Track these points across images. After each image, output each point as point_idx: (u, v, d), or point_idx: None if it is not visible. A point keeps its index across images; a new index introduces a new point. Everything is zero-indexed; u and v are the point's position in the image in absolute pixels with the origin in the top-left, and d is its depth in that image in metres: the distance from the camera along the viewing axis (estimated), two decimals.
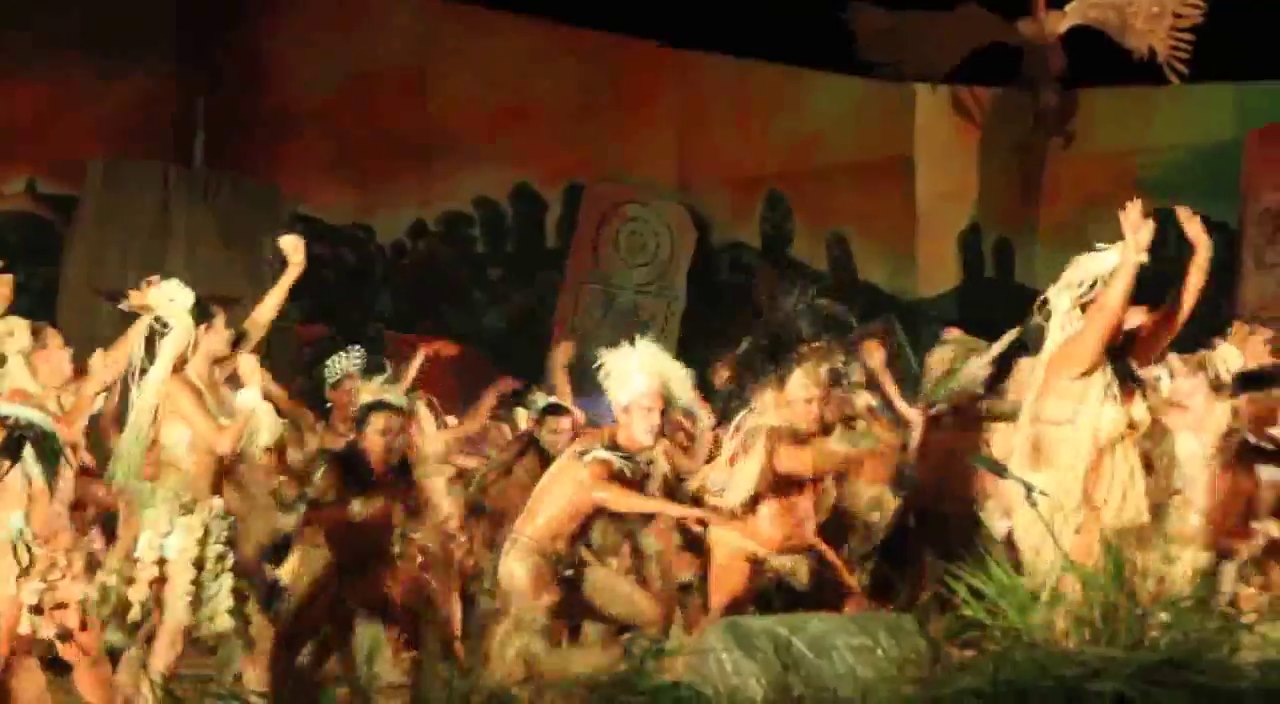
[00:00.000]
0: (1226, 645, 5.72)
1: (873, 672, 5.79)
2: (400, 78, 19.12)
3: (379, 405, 8.85)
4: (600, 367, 8.44)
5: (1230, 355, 9.55)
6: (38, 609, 7.66)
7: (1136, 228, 7.45)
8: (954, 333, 10.75)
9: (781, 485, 8.15)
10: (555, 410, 10.90)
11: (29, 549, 7.62)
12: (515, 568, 8.03)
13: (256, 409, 8.06)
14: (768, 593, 8.13)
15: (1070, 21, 20.22)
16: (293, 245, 8.56)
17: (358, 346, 11.12)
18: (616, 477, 8.04)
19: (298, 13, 18.70)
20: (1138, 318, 7.84)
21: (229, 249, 16.46)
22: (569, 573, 8.11)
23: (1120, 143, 20.40)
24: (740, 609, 7.93)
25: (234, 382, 8.35)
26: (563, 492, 8.15)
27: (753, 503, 8.12)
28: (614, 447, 8.12)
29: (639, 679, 5.24)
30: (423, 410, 11.39)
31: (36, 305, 12.09)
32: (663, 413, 8.31)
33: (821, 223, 20.41)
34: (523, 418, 12.50)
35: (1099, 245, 7.70)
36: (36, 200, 17.43)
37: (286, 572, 8.76)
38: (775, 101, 20.42)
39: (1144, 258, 7.42)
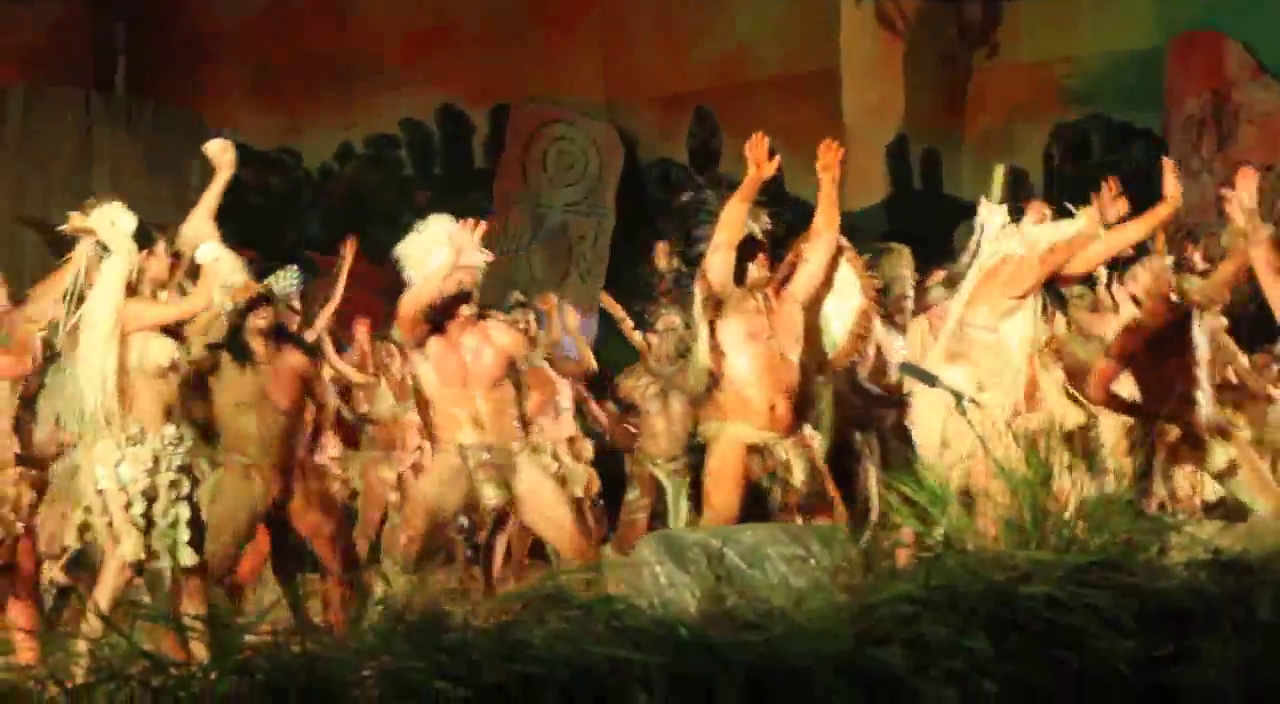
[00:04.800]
0: (1155, 546, 5.79)
1: (806, 581, 5.82)
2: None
3: (266, 299, 8.72)
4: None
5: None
6: None
7: (1108, 205, 7.79)
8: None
9: (746, 325, 7.89)
10: None
11: None
12: None
13: (219, 257, 7.86)
14: (761, 492, 7.90)
15: None
16: (220, 147, 8.23)
17: (294, 267, 11.00)
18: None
19: None
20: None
21: (154, 176, 16.37)
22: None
23: (1044, 53, 20.44)
24: (738, 511, 7.76)
25: None
26: None
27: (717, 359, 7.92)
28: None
29: (572, 593, 5.26)
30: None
31: None
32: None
33: (749, 138, 20.34)
34: None
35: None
36: None
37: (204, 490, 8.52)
38: (699, 17, 20.37)
39: (1102, 230, 7.75)
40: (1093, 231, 7.92)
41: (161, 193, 15.98)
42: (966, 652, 4.99)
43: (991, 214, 8.12)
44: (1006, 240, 8.04)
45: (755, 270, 8.02)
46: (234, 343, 8.51)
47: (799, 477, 7.92)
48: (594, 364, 12.22)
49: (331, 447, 11.63)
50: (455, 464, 8.08)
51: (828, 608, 5.34)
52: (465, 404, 8.11)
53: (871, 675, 4.90)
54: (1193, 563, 5.63)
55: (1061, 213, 8.31)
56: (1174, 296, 8.82)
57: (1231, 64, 19.08)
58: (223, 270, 7.91)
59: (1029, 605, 5.22)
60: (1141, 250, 9.46)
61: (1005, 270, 7.96)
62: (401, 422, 11.99)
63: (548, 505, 8.21)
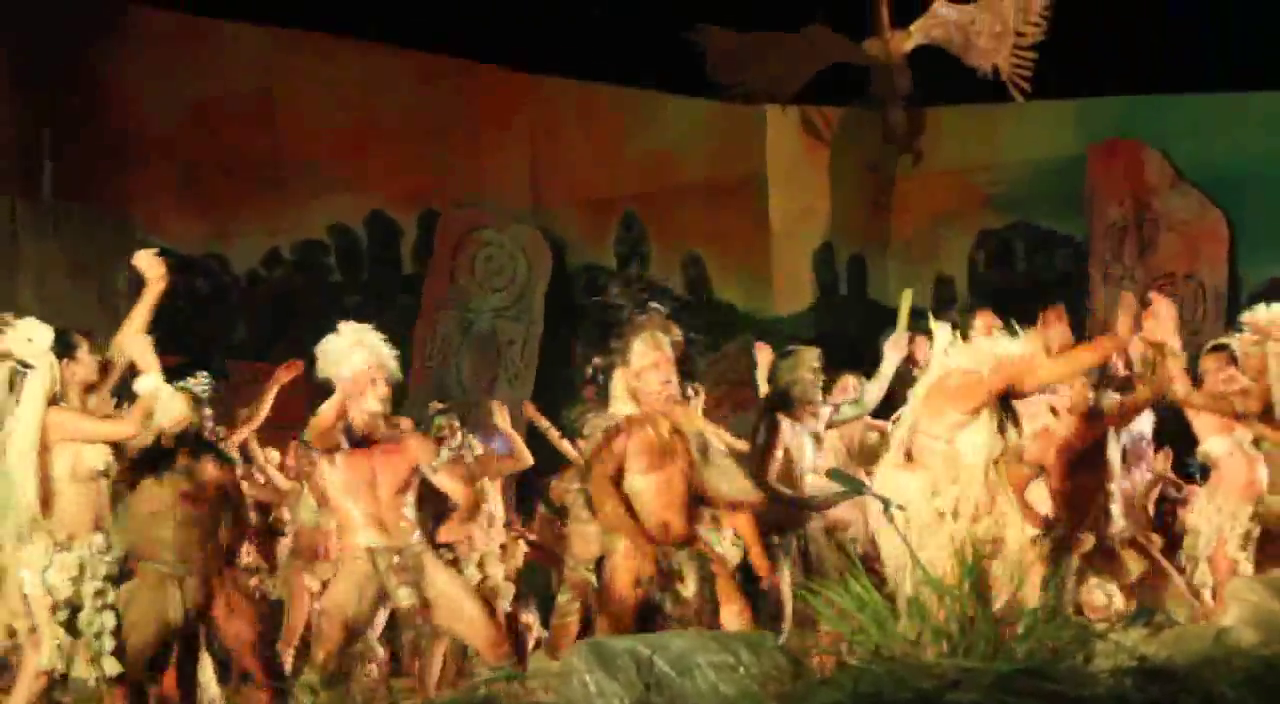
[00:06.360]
0: (1081, 654, 5.82)
1: (734, 689, 5.83)
2: (248, 104, 18.97)
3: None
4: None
5: None
6: None
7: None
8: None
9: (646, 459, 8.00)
10: None
11: None
12: None
13: (158, 389, 7.79)
14: (649, 609, 7.89)
15: (915, 41, 20.44)
16: (147, 261, 8.18)
17: (203, 373, 10.86)
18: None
19: (140, 38, 18.45)
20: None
21: (80, 281, 16.28)
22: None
23: (967, 160, 20.65)
24: (632, 620, 7.76)
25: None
26: None
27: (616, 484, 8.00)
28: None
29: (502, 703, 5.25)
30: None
31: None
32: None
33: (676, 243, 20.49)
34: None
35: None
36: None
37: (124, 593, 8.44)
38: (626, 123, 20.50)
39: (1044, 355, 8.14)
40: (1035, 354, 8.11)
41: (87, 297, 15.90)
42: None
43: (940, 327, 8.30)
44: (954, 354, 8.20)
45: (658, 385, 8.06)
46: (152, 450, 8.48)
47: (690, 587, 7.92)
48: (529, 459, 12.22)
49: (246, 554, 11.56)
50: (364, 569, 8.09)
51: None
52: (370, 507, 8.14)
53: None
54: (1118, 671, 5.67)
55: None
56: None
57: (1151, 171, 19.32)
58: (162, 398, 7.86)
59: None
60: None
61: (951, 383, 8.09)
62: (323, 529, 11.96)
63: (460, 604, 8.20)
